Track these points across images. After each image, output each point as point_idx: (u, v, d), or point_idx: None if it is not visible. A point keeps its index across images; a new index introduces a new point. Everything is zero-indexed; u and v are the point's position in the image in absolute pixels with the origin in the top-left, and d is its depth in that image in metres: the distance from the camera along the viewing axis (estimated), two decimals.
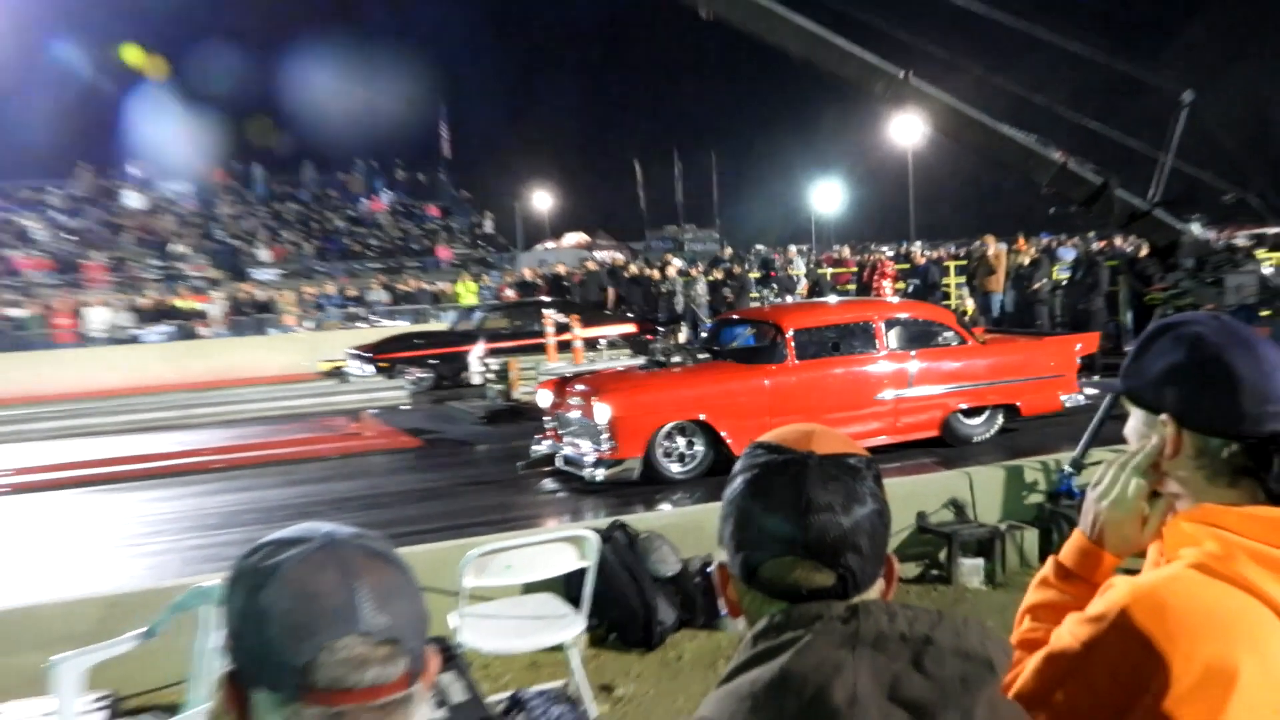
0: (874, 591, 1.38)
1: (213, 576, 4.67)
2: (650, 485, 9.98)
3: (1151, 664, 1.41)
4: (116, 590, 6.45)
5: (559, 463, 10.80)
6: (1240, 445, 1.54)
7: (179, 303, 30.38)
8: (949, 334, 11.28)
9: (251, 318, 29.93)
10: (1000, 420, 11.27)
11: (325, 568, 1.14)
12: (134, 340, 27.47)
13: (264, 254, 40.95)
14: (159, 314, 29.39)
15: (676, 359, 11.26)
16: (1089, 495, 1.73)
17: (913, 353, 10.88)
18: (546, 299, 23.54)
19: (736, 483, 1.40)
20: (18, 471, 12.23)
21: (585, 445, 10.33)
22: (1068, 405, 11.25)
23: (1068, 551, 1.74)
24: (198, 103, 51.01)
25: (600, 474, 9.94)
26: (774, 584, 1.35)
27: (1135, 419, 1.69)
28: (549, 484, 10.64)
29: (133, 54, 41.57)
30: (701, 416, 10.17)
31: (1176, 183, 7.95)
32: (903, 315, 11.47)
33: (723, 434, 10.11)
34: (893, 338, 10.89)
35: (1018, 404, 11.24)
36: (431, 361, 19.15)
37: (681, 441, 10.27)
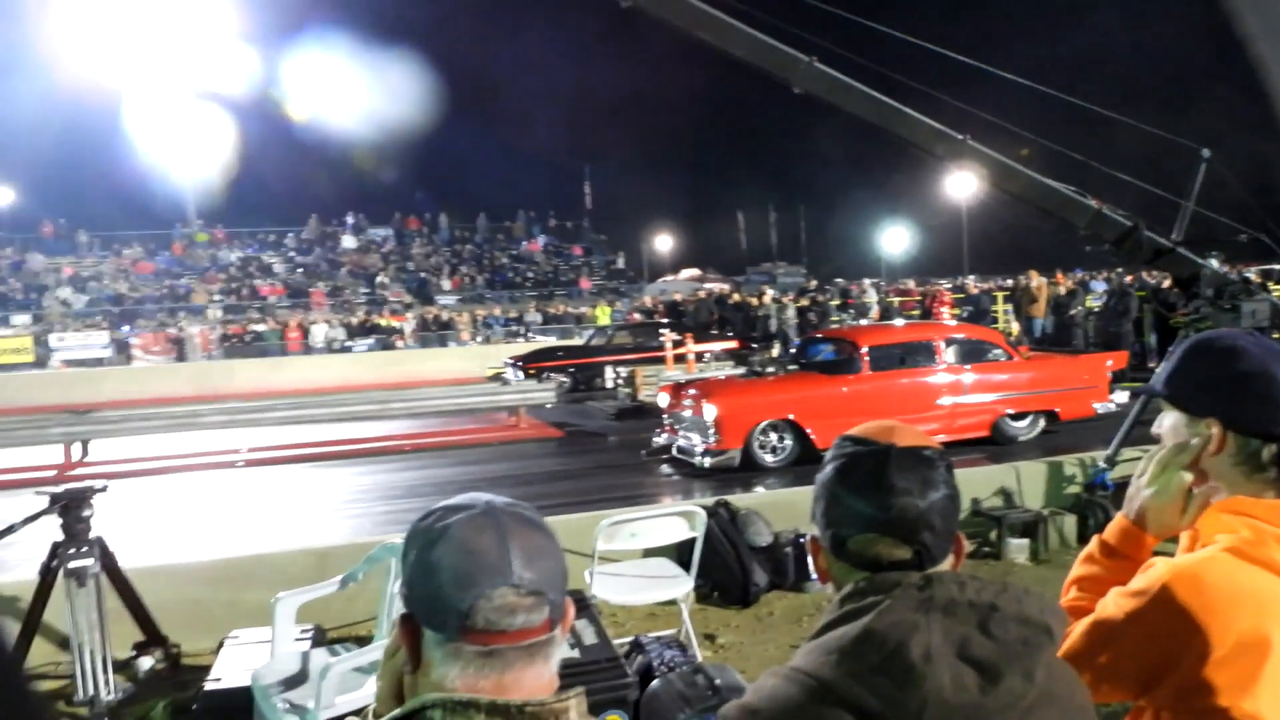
0: (945, 564, 1.31)
1: (398, 536, 4.71)
2: (748, 472, 9.92)
3: (1189, 634, 1.35)
4: (326, 544, 6.58)
5: (674, 452, 10.78)
6: (1278, 446, 1.46)
7: (380, 321, 31.19)
8: (998, 351, 11.02)
9: (435, 333, 30.61)
10: (1042, 423, 10.99)
11: (485, 530, 1.12)
12: (345, 350, 28.34)
13: (446, 284, 41.83)
14: (365, 330, 30.23)
15: (770, 370, 11.16)
16: (1133, 483, 1.63)
17: (967, 367, 10.65)
18: (664, 320, 23.59)
19: (828, 469, 1.36)
20: (253, 450, 12.66)
21: (695, 438, 10.30)
22: (1100, 412, 10.96)
23: (1111, 531, 1.65)
24: (399, 167, 52.63)
25: (707, 461, 9.94)
26: (859, 556, 1.30)
27: (1172, 419, 1.59)
28: (666, 469, 10.62)
29: (350, 140, 43.11)
30: (791, 416, 10.10)
31: (1195, 225, 7.63)
32: (958, 335, 11.23)
33: (808, 431, 10.03)
34: (950, 354, 10.66)
35: (1057, 410, 10.97)
36: (570, 369, 19.36)
37: (774, 437, 10.20)
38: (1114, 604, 1.46)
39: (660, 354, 18.08)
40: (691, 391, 10.62)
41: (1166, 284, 13.40)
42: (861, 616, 1.22)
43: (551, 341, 26.52)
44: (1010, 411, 10.78)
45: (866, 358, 10.31)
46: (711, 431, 9.92)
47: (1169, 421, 1.59)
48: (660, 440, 11.17)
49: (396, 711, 1.11)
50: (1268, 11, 1.45)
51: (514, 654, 1.10)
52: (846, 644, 1.20)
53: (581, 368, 19.46)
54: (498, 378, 19.65)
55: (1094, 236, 7.79)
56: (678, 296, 31.09)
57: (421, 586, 1.12)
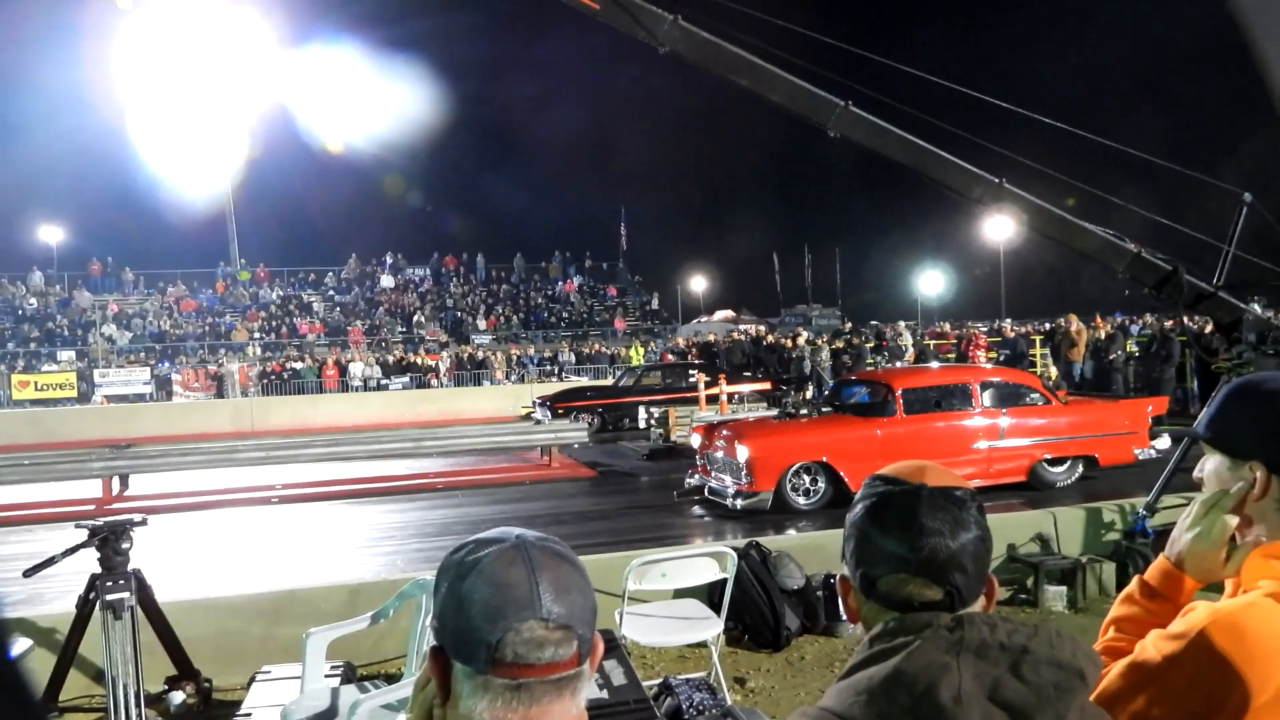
0: (977, 606, 1.30)
1: (430, 572, 4.71)
2: (780, 514, 9.84)
3: (1229, 682, 1.32)
4: (358, 580, 6.61)
5: (706, 493, 10.72)
6: None
7: (416, 360, 31.44)
8: (1035, 395, 10.88)
9: (470, 372, 30.78)
10: (1080, 469, 10.77)
11: (515, 563, 1.13)
12: (381, 388, 28.57)
13: (481, 323, 42.16)
14: (401, 368, 30.47)
15: (804, 411, 11.08)
16: (1178, 525, 1.59)
17: (1003, 410, 10.50)
18: (696, 362, 23.63)
19: (858, 509, 1.35)
20: (289, 486, 12.76)
21: (728, 479, 10.25)
22: (1140, 458, 10.72)
23: (1153, 573, 1.62)
24: (438, 207, 53.42)
25: (739, 503, 9.88)
26: (889, 596, 1.29)
27: (1215, 462, 1.56)
28: (697, 509, 10.56)
29: (391, 181, 43.83)
30: (824, 458, 10.01)
31: (1238, 268, 7.53)
32: (995, 379, 11.10)
33: (841, 473, 9.92)
34: (986, 398, 10.54)
35: (1096, 455, 10.74)
36: (599, 409, 19.43)
37: (807, 479, 10.11)
38: (1153, 647, 1.43)
39: (689, 395, 18.06)
40: (724, 433, 10.57)
41: (1208, 329, 13.20)
42: (891, 657, 1.21)
43: (584, 381, 26.62)
44: (1048, 456, 10.61)
45: (901, 400, 10.22)
46: (744, 473, 9.86)
47: (1211, 465, 1.56)
48: (693, 481, 11.12)
49: None
50: (1268, 14, 1.45)
51: (542, 688, 1.10)
52: (876, 685, 1.19)
53: (610, 408, 19.56)
54: (530, 417, 19.75)
55: (1134, 279, 7.71)
56: (711, 337, 31.09)
57: (452, 619, 1.12)
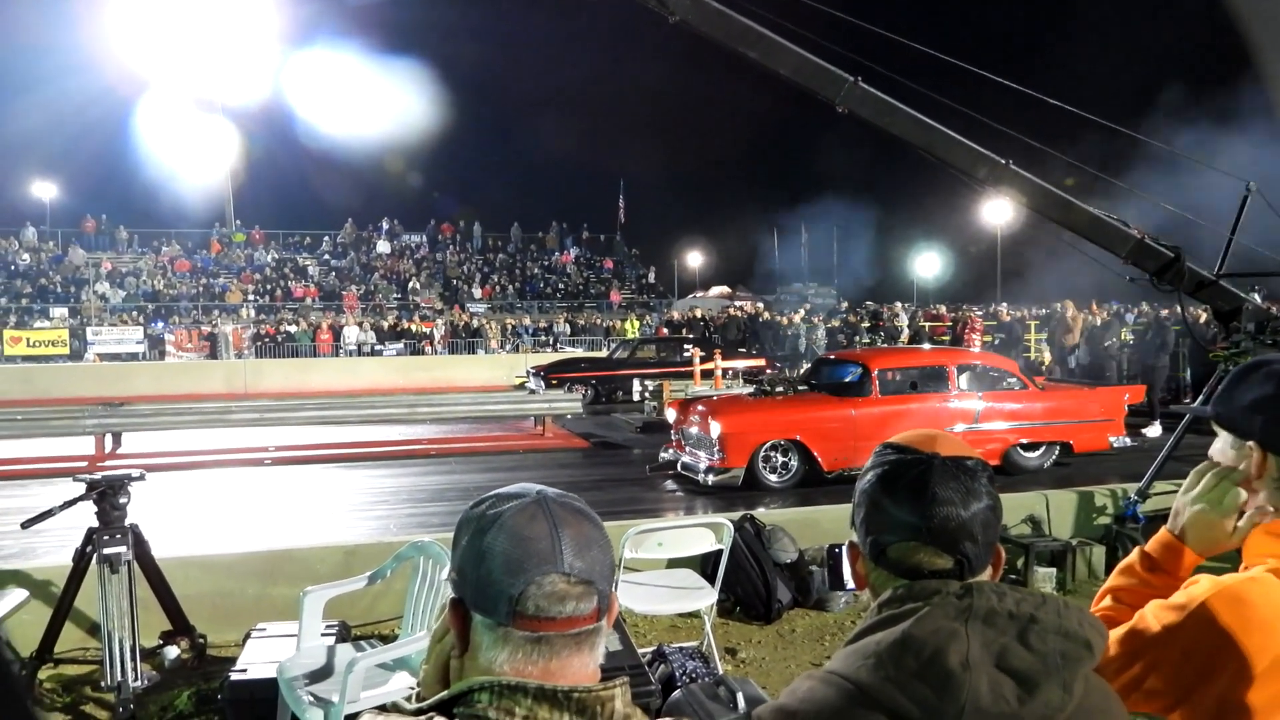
0: (984, 575, 1.31)
1: (427, 536, 4.74)
2: (751, 491, 9.86)
3: (1227, 651, 1.34)
4: (354, 541, 6.64)
5: (680, 468, 10.73)
6: None
7: (411, 326, 31.38)
8: (1012, 380, 10.90)
9: (465, 340, 30.75)
10: (1055, 455, 10.84)
11: (537, 518, 1.13)
12: (375, 353, 28.54)
13: (477, 292, 42.05)
14: (395, 334, 30.40)
15: (779, 389, 11.07)
16: (1179, 497, 1.61)
17: (979, 394, 10.53)
18: (689, 336, 23.65)
19: (869, 476, 1.35)
20: (281, 448, 12.78)
21: (701, 454, 10.23)
22: (1115, 446, 10.81)
23: (1153, 544, 1.63)
24: (435, 175, 53.16)
25: (711, 479, 9.88)
26: (899, 564, 1.30)
27: (1222, 441, 1.58)
28: (670, 484, 10.60)
29: (389, 147, 43.57)
30: (797, 437, 10.00)
31: (1238, 258, 7.54)
32: (972, 362, 11.12)
33: (814, 452, 9.95)
34: (963, 381, 10.55)
35: (1070, 442, 10.82)
36: (592, 381, 19.44)
37: (780, 456, 10.12)
38: (1152, 616, 1.45)
39: (683, 369, 18.07)
40: (699, 408, 10.55)
41: (1203, 318, 13.23)
42: (900, 622, 1.22)
43: (579, 353, 26.62)
44: (1023, 441, 10.65)
45: (876, 381, 10.19)
46: (716, 449, 9.84)
47: (1217, 444, 1.58)
48: (666, 455, 11.13)
49: (444, 693, 1.12)
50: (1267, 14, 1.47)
51: (562, 641, 1.11)
52: (884, 649, 1.20)
53: (604, 379, 19.57)
54: (524, 386, 19.77)
55: (1135, 265, 7.71)
56: (697, 312, 31.26)
57: (473, 572, 1.13)
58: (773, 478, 10.03)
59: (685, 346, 19.98)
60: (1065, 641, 1.21)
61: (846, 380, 10.75)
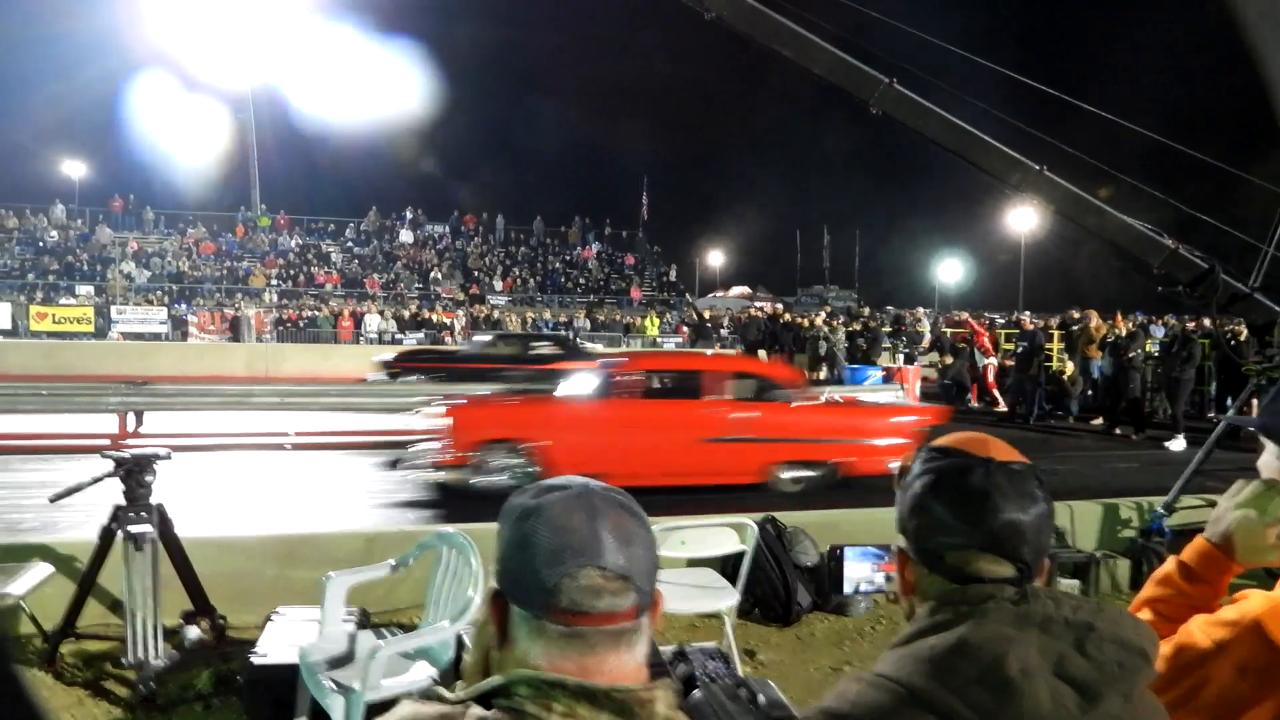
0: (1037, 581, 1.28)
1: (447, 526, 4.73)
2: (751, 491, 9.31)
3: (1279, 670, 1.31)
4: (375, 528, 6.64)
5: (411, 459, 9.81)
6: None
7: (432, 316, 31.47)
8: (780, 392, 9.93)
9: (485, 331, 30.83)
10: (818, 475, 9.72)
11: (577, 510, 1.11)
12: (396, 342, 28.63)
13: (498, 284, 42.14)
14: (416, 323, 30.52)
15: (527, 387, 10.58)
16: (1222, 504, 1.57)
17: (738, 405, 9.63)
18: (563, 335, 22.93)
19: (920, 482, 1.32)
20: (301, 433, 12.82)
21: (434, 448, 9.32)
22: (894, 469, 10.05)
23: (1191, 554, 1.59)
24: (460, 166, 53.29)
25: (439, 474, 9.20)
26: (956, 571, 1.27)
27: (1269, 454, 1.56)
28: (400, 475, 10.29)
29: (414, 137, 43.70)
30: (516, 435, 9.19)
31: (1276, 271, 7.43)
32: (739, 370, 10.38)
33: (535, 452, 9.07)
34: (720, 389, 9.65)
35: (836, 463, 9.77)
36: (441, 375, 17.40)
37: (503, 456, 9.13)
38: (1201, 631, 1.42)
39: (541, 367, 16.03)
40: (443, 402, 9.93)
41: (1243, 334, 13.06)
42: (955, 627, 1.20)
43: (602, 349, 26.57)
44: (785, 460, 9.69)
45: (616, 382, 9.60)
46: (442, 443, 9.13)
47: (1265, 456, 1.56)
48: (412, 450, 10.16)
49: (484, 685, 1.10)
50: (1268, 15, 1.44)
51: (598, 637, 1.09)
52: (939, 654, 1.18)
53: (450, 373, 17.44)
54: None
55: (1167, 276, 7.62)
56: (708, 313, 31.32)
57: (513, 561, 1.11)
58: (490, 478, 9.00)
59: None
60: (1123, 651, 1.18)
61: (590, 380, 9.89)
